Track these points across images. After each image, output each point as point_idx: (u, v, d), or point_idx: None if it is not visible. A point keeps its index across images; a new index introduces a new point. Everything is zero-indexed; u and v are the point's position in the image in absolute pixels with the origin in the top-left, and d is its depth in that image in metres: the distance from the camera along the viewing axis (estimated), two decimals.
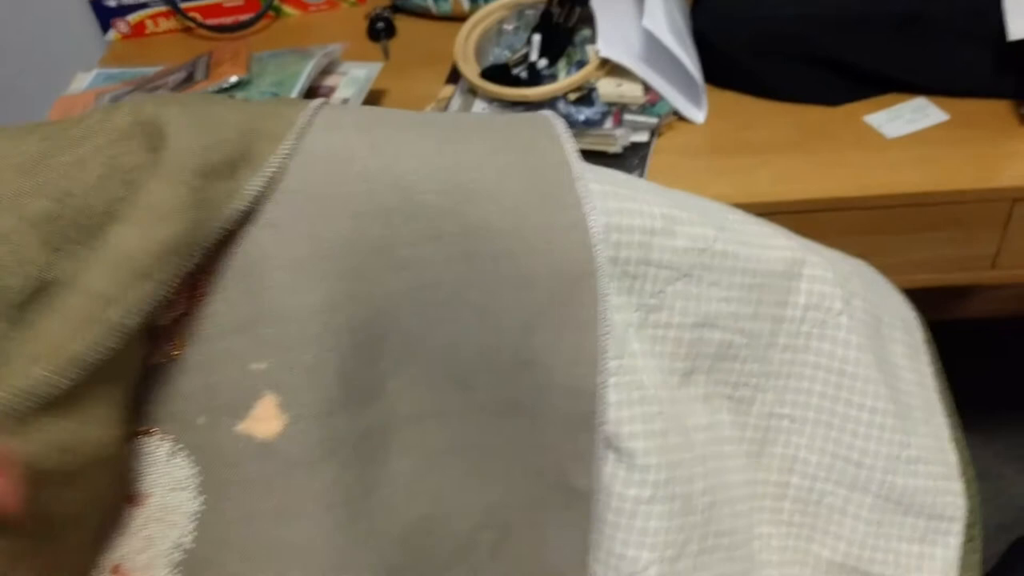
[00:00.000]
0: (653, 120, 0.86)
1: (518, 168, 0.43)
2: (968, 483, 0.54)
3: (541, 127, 0.45)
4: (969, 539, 0.54)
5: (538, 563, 0.49)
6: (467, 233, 0.42)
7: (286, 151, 0.41)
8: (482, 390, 0.45)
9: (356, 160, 0.42)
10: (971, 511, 0.54)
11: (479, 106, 0.90)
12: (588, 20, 0.92)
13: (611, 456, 0.46)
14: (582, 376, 0.44)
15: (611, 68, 0.87)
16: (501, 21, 0.97)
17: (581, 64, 0.89)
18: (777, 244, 0.49)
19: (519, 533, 0.48)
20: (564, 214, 0.42)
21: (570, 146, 0.44)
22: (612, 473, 0.46)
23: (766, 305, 0.49)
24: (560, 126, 0.45)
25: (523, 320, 0.43)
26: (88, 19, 1.14)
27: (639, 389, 0.45)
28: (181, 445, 0.43)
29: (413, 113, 0.45)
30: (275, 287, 0.41)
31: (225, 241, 0.41)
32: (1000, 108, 0.84)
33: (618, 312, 0.45)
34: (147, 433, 0.43)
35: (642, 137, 0.86)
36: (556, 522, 0.48)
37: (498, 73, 0.89)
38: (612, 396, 0.45)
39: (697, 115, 0.88)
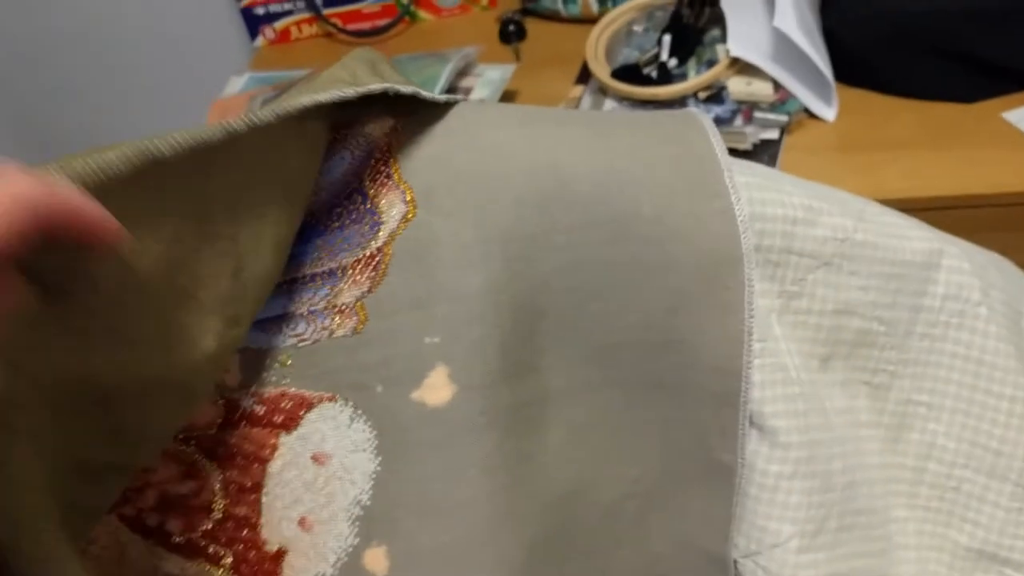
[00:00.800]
0: (783, 118, 0.88)
1: (667, 159, 0.46)
2: None
3: (689, 121, 0.48)
4: None
5: (681, 533, 0.52)
6: (618, 220, 0.46)
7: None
8: (630, 367, 0.49)
9: (518, 154, 0.46)
10: None
11: (609, 105, 0.94)
12: (718, 20, 0.94)
13: (754, 433, 0.49)
14: (728, 356, 0.47)
15: (741, 67, 0.90)
16: (631, 22, 1.00)
17: (711, 63, 0.92)
18: (915, 235, 0.51)
19: (663, 503, 0.52)
20: (711, 202, 0.46)
21: (717, 139, 0.47)
22: (755, 450, 0.49)
23: (904, 294, 0.51)
24: (707, 121, 0.49)
25: (670, 302, 0.47)
26: (238, 26, 1.23)
27: (782, 371, 0.48)
28: (361, 411, 0.48)
29: (567, 111, 0.50)
30: (446, 268, 0.46)
31: (402, 226, 0.47)
32: None
33: (762, 298, 0.49)
34: (332, 399, 0.48)
35: (772, 135, 0.89)
36: (700, 494, 0.51)
37: (628, 73, 0.93)
38: (756, 376, 0.48)
39: (827, 112, 0.90)
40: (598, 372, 0.49)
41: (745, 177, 0.47)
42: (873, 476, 0.53)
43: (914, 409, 0.53)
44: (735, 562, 0.52)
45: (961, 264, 0.52)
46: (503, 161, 0.46)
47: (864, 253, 0.50)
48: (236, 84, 1.10)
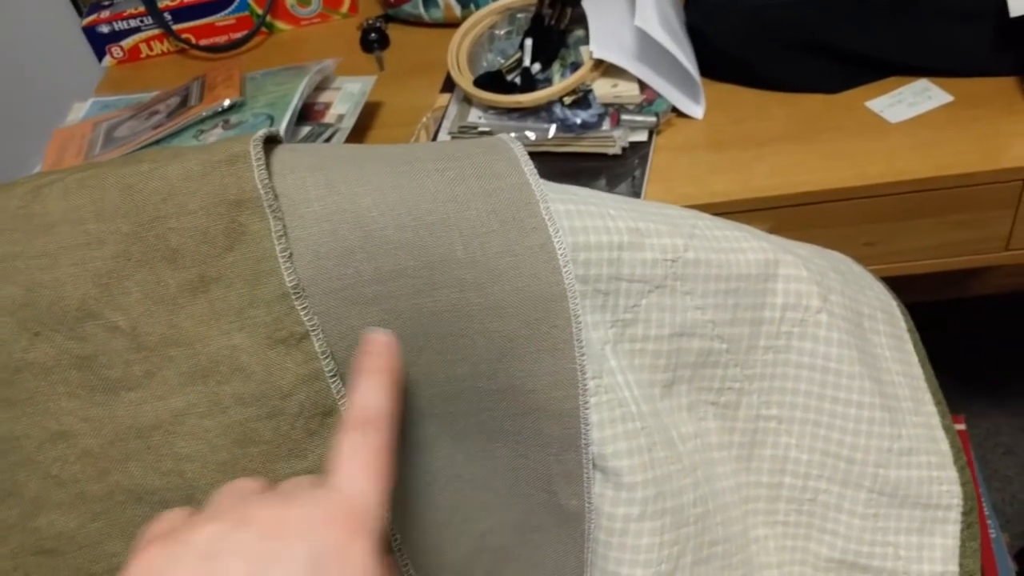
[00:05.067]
0: (651, 119, 0.90)
1: (477, 196, 0.46)
2: (961, 470, 0.57)
3: (499, 151, 0.48)
4: (967, 526, 0.57)
5: None
6: (431, 266, 0.45)
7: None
8: (465, 420, 0.49)
9: (312, 201, 0.45)
10: (967, 498, 0.57)
11: (475, 114, 0.95)
12: (580, 21, 0.96)
13: (598, 476, 0.49)
14: (563, 399, 0.47)
15: (606, 68, 0.91)
16: (492, 27, 1.01)
17: (575, 66, 0.93)
18: (749, 247, 0.52)
19: (514, 556, 0.52)
20: (528, 238, 0.46)
21: (529, 167, 0.47)
22: (600, 493, 0.50)
23: (743, 309, 0.53)
24: (518, 148, 0.48)
25: (497, 347, 0.47)
26: (83, 47, 1.20)
27: (620, 407, 0.49)
28: None
29: (367, 147, 0.49)
30: None
31: None
32: (1005, 86, 0.87)
33: (593, 330, 0.49)
34: None
35: (641, 136, 0.90)
36: (550, 543, 0.51)
37: (492, 80, 0.94)
38: (593, 416, 0.48)
39: (696, 110, 0.92)
40: (434, 428, 0.49)
41: (564, 205, 0.48)
42: (728, 500, 0.55)
43: (764, 424, 0.55)
44: None
45: (798, 272, 0.53)
46: (298, 212, 0.45)
47: (698, 272, 0.51)
48: (79, 111, 1.07)
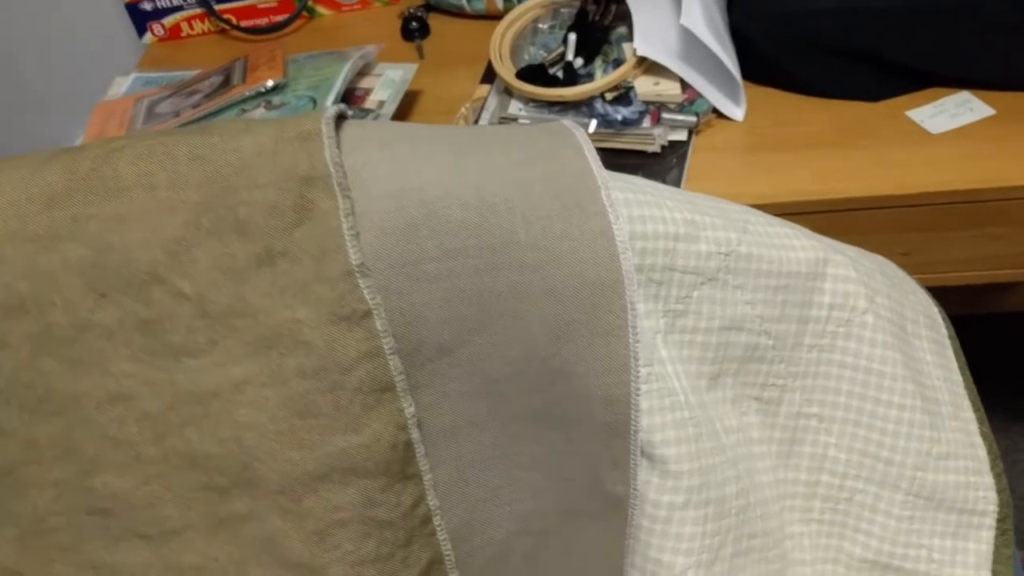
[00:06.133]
0: (691, 118, 0.91)
1: (540, 179, 0.47)
2: (998, 476, 0.58)
3: (562, 136, 0.49)
4: (1001, 532, 0.58)
5: (575, 569, 0.54)
6: (492, 247, 0.47)
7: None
8: (515, 400, 0.50)
9: (379, 177, 0.46)
10: (1002, 505, 0.58)
11: (515, 106, 0.96)
12: (624, 18, 0.97)
13: (644, 463, 0.50)
14: (615, 385, 0.49)
15: (648, 66, 0.92)
16: (536, 20, 1.02)
17: (618, 63, 0.94)
18: (799, 244, 0.53)
19: (555, 540, 0.53)
20: (588, 223, 0.47)
21: (592, 154, 0.49)
22: (646, 480, 0.51)
23: (791, 306, 0.53)
24: (580, 134, 0.50)
25: (552, 330, 0.48)
26: (124, 23, 1.22)
27: (670, 396, 0.50)
28: None
29: (433, 127, 0.50)
30: None
31: None
32: None
33: (645, 319, 0.50)
34: None
35: (680, 136, 0.91)
36: (592, 529, 0.53)
37: (534, 73, 0.95)
38: (644, 403, 0.49)
39: (736, 112, 0.93)
40: (484, 408, 0.50)
41: (624, 193, 0.49)
42: (767, 495, 0.55)
43: (805, 422, 0.56)
44: None
45: (847, 272, 0.54)
46: (364, 187, 0.46)
47: (749, 266, 0.52)
48: (121, 85, 1.08)
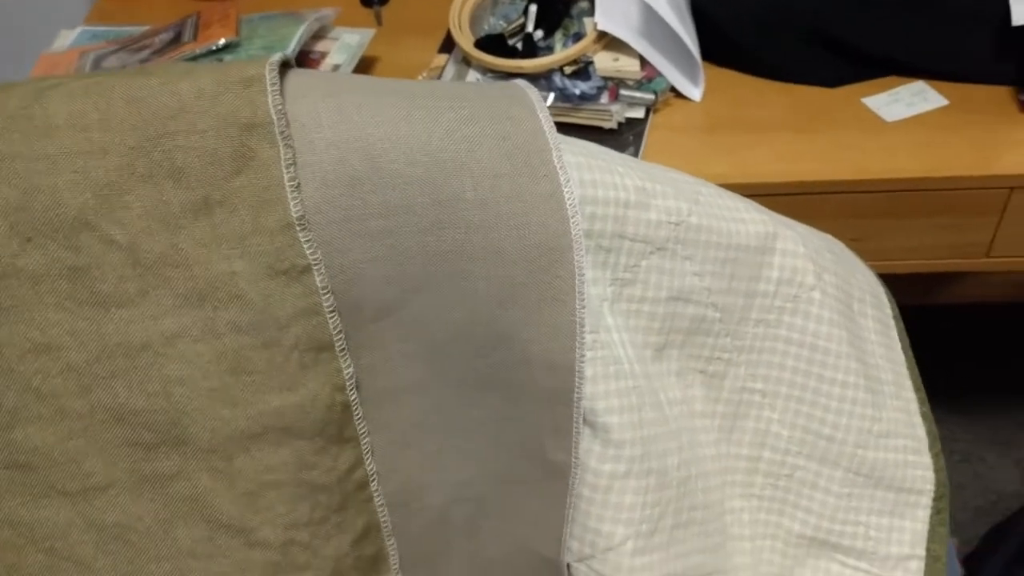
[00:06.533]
0: (649, 96, 0.91)
1: (491, 138, 0.46)
2: (936, 456, 0.58)
3: (515, 96, 0.48)
4: (937, 512, 0.59)
5: (513, 537, 0.53)
6: (438, 204, 0.45)
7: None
8: (457, 364, 0.49)
9: (324, 127, 0.45)
10: (939, 484, 0.58)
11: (472, 76, 0.95)
12: None
13: (586, 431, 0.50)
14: (560, 351, 0.48)
15: (608, 41, 0.91)
16: None
17: (578, 37, 0.93)
18: (750, 218, 0.53)
19: (494, 507, 0.53)
20: (539, 185, 0.46)
21: (545, 116, 0.47)
22: (587, 448, 0.50)
23: (739, 279, 0.53)
24: (534, 94, 0.49)
25: (498, 293, 0.47)
26: None
27: (615, 364, 0.50)
28: None
29: (383, 79, 0.49)
30: None
31: None
32: (1000, 94, 0.88)
33: (593, 286, 0.50)
34: None
35: (638, 113, 0.91)
36: (533, 497, 0.52)
37: (493, 43, 0.93)
38: (588, 371, 0.49)
39: (694, 92, 0.92)
40: (426, 371, 0.49)
41: (575, 157, 0.48)
42: (708, 468, 0.55)
43: (749, 397, 0.56)
44: (568, 566, 0.54)
45: (796, 248, 0.54)
46: (307, 137, 0.44)
47: (699, 237, 0.51)
48: (67, 38, 1.05)
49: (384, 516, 0.52)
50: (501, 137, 0.46)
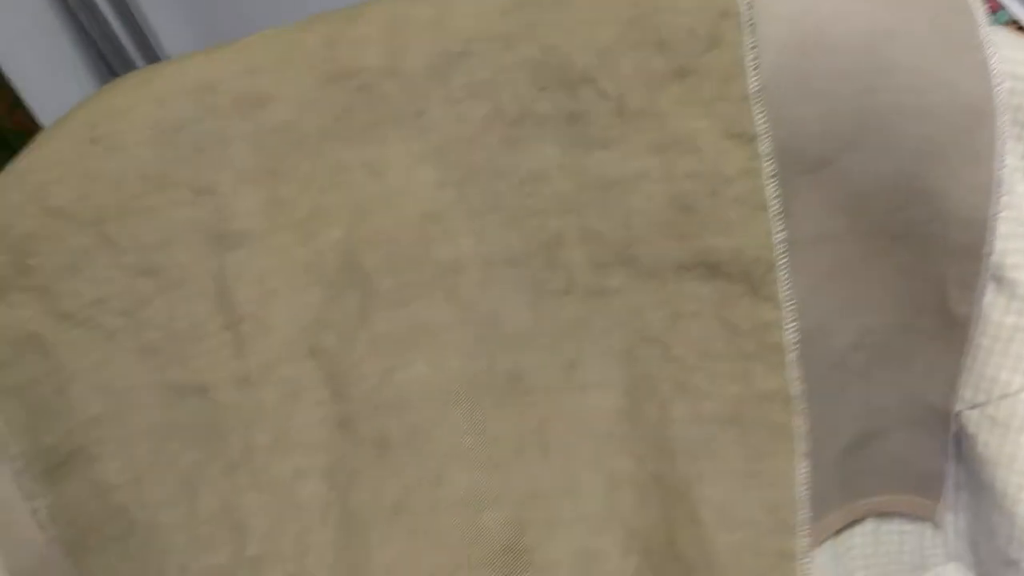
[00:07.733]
0: None
1: (924, 11, 0.52)
2: None
3: None
4: None
5: (907, 386, 0.59)
6: (875, 70, 0.52)
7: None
8: (875, 217, 0.56)
9: (780, 3, 0.53)
10: None
11: None
12: None
13: (992, 285, 0.55)
14: (976, 206, 0.53)
15: None
16: None
17: None
18: None
19: (892, 355, 0.59)
20: (967, 55, 0.52)
21: None
22: (991, 301, 0.55)
23: None
24: None
25: (922, 150, 0.53)
26: None
27: (1023, 225, 0.55)
28: None
29: None
30: None
31: None
32: None
33: (1007, 155, 0.55)
34: None
35: None
36: (931, 347, 0.57)
37: None
38: (1001, 228, 0.54)
39: None
40: (845, 221, 0.56)
41: (998, 35, 0.53)
42: None
43: None
44: (958, 413, 0.59)
45: None
46: (766, 14, 0.52)
47: None
48: None
49: (792, 366, 0.57)
50: (933, 10, 0.52)
